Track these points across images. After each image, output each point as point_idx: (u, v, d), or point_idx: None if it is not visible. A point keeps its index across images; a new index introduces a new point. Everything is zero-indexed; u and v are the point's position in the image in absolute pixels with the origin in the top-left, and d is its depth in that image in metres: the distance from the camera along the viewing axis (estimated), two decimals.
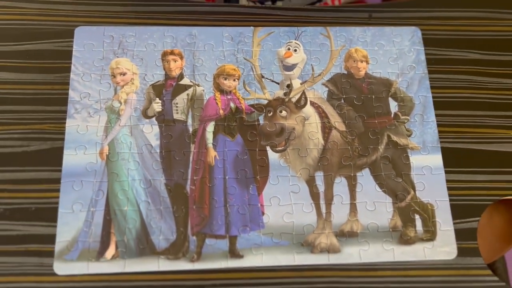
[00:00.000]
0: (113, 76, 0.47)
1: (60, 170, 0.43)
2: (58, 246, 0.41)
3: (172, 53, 0.48)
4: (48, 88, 0.47)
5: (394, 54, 0.50)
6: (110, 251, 0.41)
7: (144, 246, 0.41)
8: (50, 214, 0.42)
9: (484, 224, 0.52)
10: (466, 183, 0.46)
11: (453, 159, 0.46)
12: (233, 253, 0.42)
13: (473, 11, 0.53)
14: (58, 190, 0.42)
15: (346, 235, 0.43)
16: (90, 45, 0.48)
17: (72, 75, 0.47)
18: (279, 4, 0.63)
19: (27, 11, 0.50)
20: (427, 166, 0.46)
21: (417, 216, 0.44)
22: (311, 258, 0.42)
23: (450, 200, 0.45)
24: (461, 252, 0.43)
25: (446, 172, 0.46)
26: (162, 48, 0.49)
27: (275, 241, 0.42)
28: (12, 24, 0.49)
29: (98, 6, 0.51)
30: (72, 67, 0.47)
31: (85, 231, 0.41)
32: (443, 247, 0.43)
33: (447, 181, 0.45)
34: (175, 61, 0.48)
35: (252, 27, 0.50)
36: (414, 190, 0.45)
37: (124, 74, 0.47)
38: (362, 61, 0.49)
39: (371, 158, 0.46)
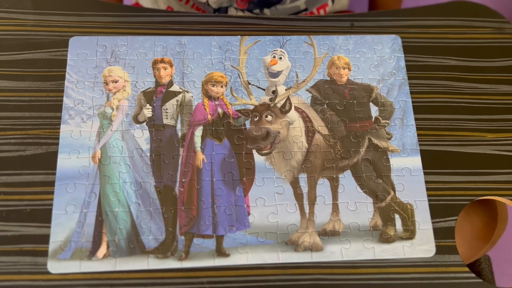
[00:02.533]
0: (106, 83, 0.49)
1: (54, 174, 0.45)
2: (52, 246, 0.42)
3: (162, 61, 0.50)
4: (44, 95, 0.49)
5: (375, 61, 0.52)
6: (102, 250, 0.43)
7: (135, 246, 0.43)
8: (44, 216, 0.43)
9: (463, 224, 0.54)
10: (444, 184, 0.48)
11: (431, 161, 0.48)
12: (220, 252, 0.43)
13: (450, 20, 0.56)
14: (52, 193, 0.44)
15: (328, 234, 0.45)
16: (84, 54, 0.50)
17: (66, 83, 0.49)
18: (266, 12, 0.66)
19: (25, 22, 0.52)
20: (406, 167, 0.48)
21: (397, 216, 0.46)
22: (295, 256, 0.43)
23: (429, 200, 0.47)
24: (439, 250, 0.45)
25: (425, 173, 0.48)
26: (152, 56, 0.51)
27: (260, 240, 0.44)
28: (10, 34, 0.51)
29: (92, 17, 0.53)
30: (67, 75, 0.49)
31: (77, 231, 0.43)
32: (422, 246, 0.45)
33: (426, 182, 0.47)
34: (165, 69, 0.50)
35: (239, 36, 0.52)
36: (394, 191, 0.47)
37: (116, 81, 0.49)
38: (344, 68, 0.51)
39: (353, 160, 0.48)
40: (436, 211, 0.46)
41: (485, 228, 0.55)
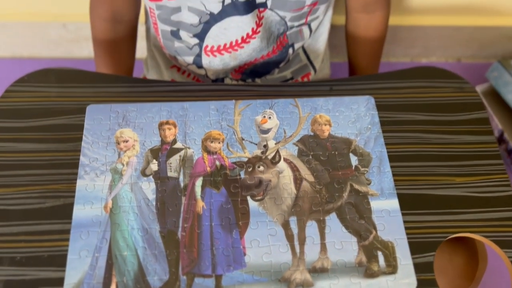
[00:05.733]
0: (118, 143, 0.56)
1: (70, 223, 0.50)
2: (67, 287, 0.47)
3: (167, 123, 0.58)
4: (62, 155, 0.56)
5: (353, 118, 0.60)
6: None
7: (141, 286, 0.47)
8: (60, 260, 0.48)
9: (445, 264, 0.58)
10: (421, 223, 0.53)
11: (408, 203, 0.54)
12: None
13: (417, 82, 0.64)
14: (68, 239, 0.49)
15: (318, 271, 0.49)
16: (99, 119, 0.58)
17: (83, 144, 0.56)
18: (257, 81, 0.75)
19: (48, 94, 0.60)
20: (385, 209, 0.53)
21: (379, 253, 0.50)
22: None
23: (408, 238, 0.52)
24: (420, 283, 0.49)
25: (402, 214, 0.53)
26: (159, 119, 0.59)
27: (256, 278, 0.48)
28: (35, 105, 0.59)
29: (106, 88, 0.61)
30: (84, 137, 0.57)
31: (90, 273, 0.47)
32: (404, 279, 0.49)
33: (404, 221, 0.53)
34: (170, 129, 0.58)
35: (233, 100, 0.61)
36: (376, 230, 0.52)
37: (126, 141, 0.57)
38: (325, 125, 0.59)
39: (337, 204, 0.53)
40: (415, 248, 0.51)
41: (467, 266, 0.59)
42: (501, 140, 1.01)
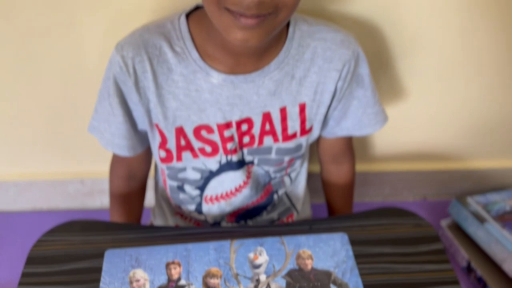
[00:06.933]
0: (131, 282, 0.66)
1: None
2: None
3: (173, 263, 0.68)
4: None
5: (331, 253, 0.71)
6: None
7: None
8: None
9: None
10: None
11: None
12: None
13: (383, 220, 0.77)
14: None
15: None
16: (115, 262, 0.68)
17: (101, 284, 0.65)
18: (249, 222, 0.87)
19: (72, 242, 0.71)
20: None
21: None
22: None
23: None
24: None
25: None
26: (166, 260, 0.69)
27: None
28: (61, 251, 0.70)
29: (121, 235, 0.73)
30: (102, 278, 0.66)
31: None
32: None
33: None
34: (175, 268, 0.67)
35: (229, 240, 0.72)
36: None
37: (138, 280, 0.66)
38: (308, 259, 0.69)
39: None
40: None
41: None
42: (469, 269, 1.11)
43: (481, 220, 1.11)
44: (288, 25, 0.74)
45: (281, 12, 0.59)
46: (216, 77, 0.72)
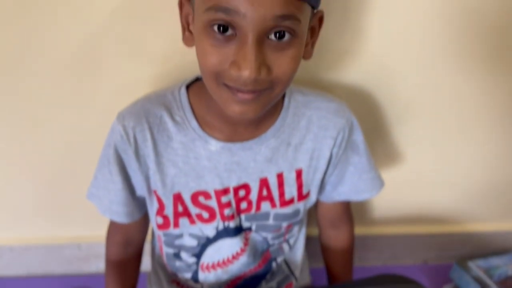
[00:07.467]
0: None
1: None
2: None
3: None
4: None
5: None
6: None
7: None
8: None
9: None
10: None
11: None
12: None
13: (382, 286, 0.76)
14: None
15: None
16: None
17: None
18: None
19: None
20: None
21: None
22: None
23: None
24: None
25: None
26: None
27: None
28: None
29: None
30: None
31: None
32: None
33: None
34: None
35: None
36: None
37: None
38: None
39: None
40: None
41: None
42: None
43: (483, 285, 1.08)
44: (284, 96, 0.77)
45: (276, 87, 0.62)
46: (215, 145, 0.73)
